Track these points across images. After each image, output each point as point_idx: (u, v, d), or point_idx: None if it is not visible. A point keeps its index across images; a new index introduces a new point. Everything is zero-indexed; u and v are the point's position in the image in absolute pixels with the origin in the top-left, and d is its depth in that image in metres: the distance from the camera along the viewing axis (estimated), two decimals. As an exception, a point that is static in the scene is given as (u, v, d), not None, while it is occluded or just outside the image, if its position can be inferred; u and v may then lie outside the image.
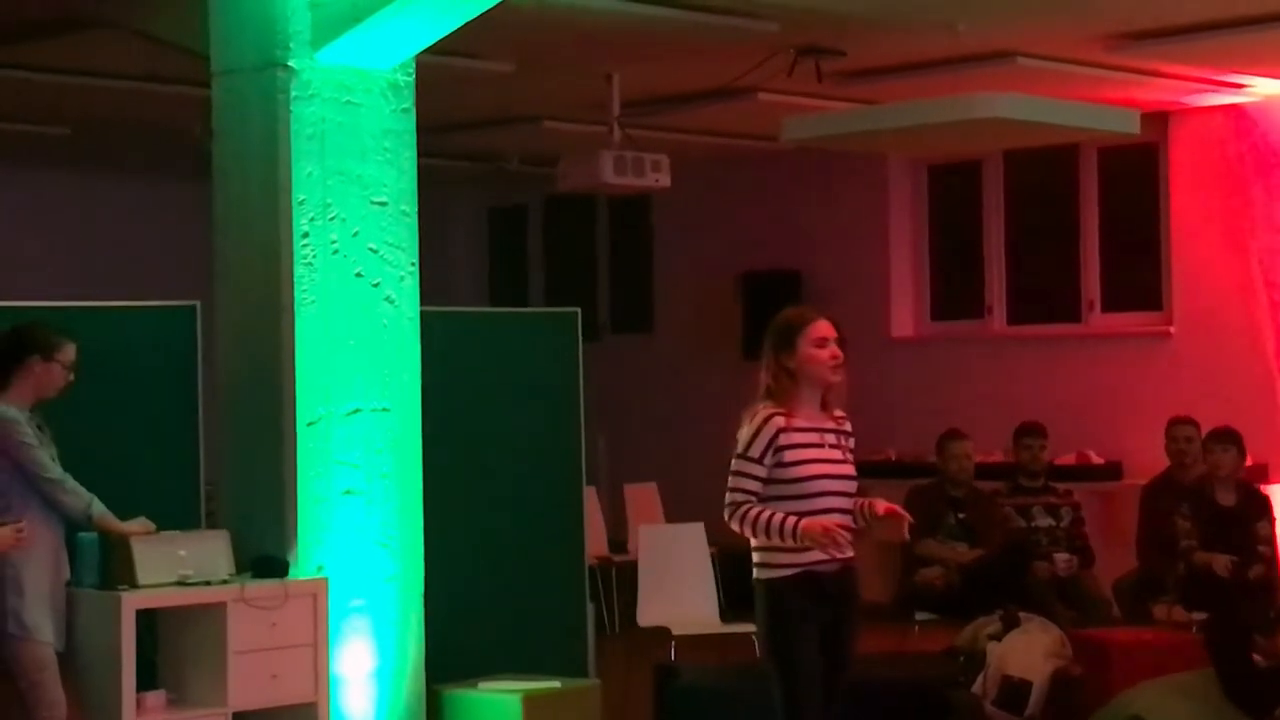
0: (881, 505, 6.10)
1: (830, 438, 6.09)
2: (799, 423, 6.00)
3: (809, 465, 5.98)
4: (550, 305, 15.33)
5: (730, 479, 6.02)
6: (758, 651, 9.08)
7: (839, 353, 6.07)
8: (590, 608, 8.75)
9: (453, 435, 7.94)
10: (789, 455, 5.96)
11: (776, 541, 5.93)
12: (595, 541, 12.42)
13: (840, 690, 6.14)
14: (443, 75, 10.05)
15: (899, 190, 13.59)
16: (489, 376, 8.37)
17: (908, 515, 6.13)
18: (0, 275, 12.49)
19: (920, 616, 9.48)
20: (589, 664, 8.60)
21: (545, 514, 8.54)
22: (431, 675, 7.58)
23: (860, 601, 6.29)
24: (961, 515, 9.76)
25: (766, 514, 5.93)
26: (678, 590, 9.37)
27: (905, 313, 13.63)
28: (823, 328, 6.07)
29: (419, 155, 13.46)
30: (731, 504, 6.00)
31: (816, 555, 5.95)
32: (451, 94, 10.94)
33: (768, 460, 5.95)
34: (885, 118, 9.51)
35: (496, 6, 7.95)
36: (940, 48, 9.95)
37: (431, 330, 7.60)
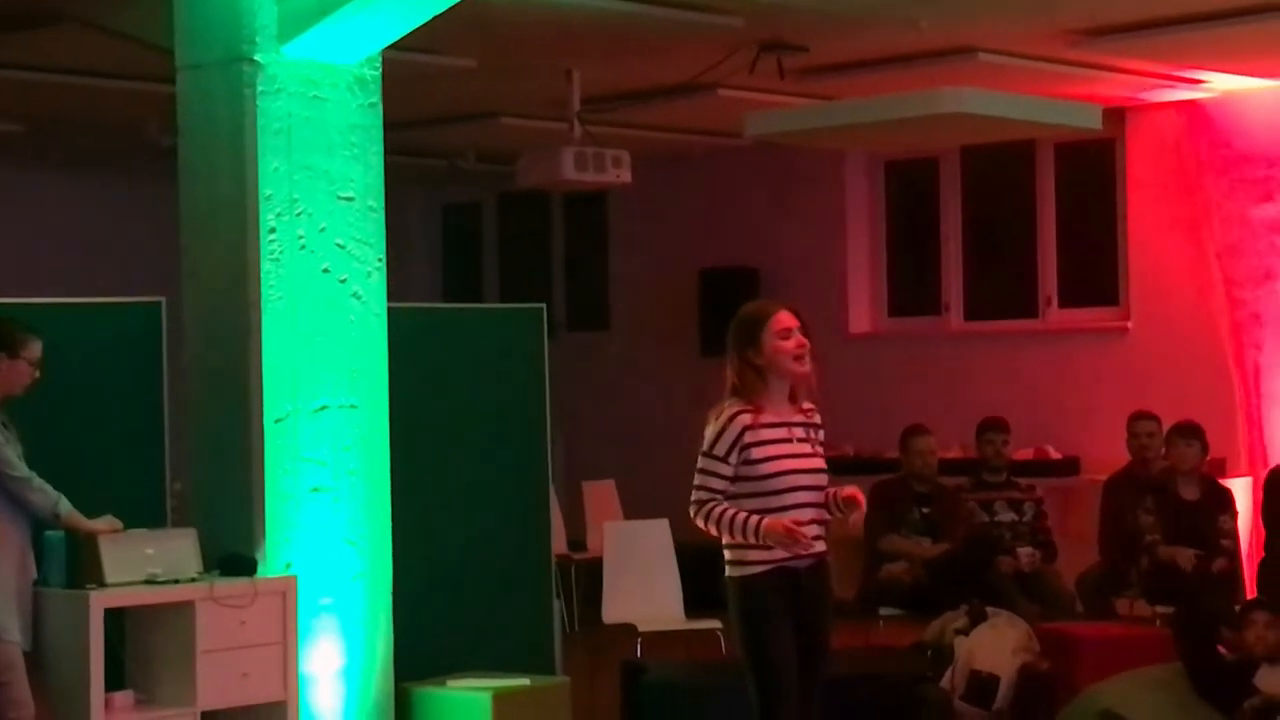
0: (845, 490, 6.07)
1: (799, 431, 6.06)
2: (766, 419, 5.98)
3: (776, 462, 5.96)
4: (505, 302, 15.29)
5: (696, 476, 6.00)
6: (723, 649, 9.14)
7: (804, 341, 6.05)
8: (558, 605, 8.71)
9: (419, 432, 7.88)
10: (755, 453, 5.94)
11: (740, 539, 5.91)
12: (554, 539, 12.39)
13: (818, 685, 6.12)
14: (405, 71, 10.00)
15: (856, 186, 13.59)
16: (455, 373, 8.32)
17: (862, 502, 6.06)
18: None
19: (885, 612, 9.48)
20: (556, 661, 8.56)
21: (511, 511, 8.49)
22: (400, 673, 7.54)
23: (833, 596, 6.28)
24: (925, 510, 9.77)
25: (731, 512, 5.91)
26: (643, 587, 9.35)
27: (863, 309, 13.64)
28: (784, 319, 6.05)
29: (376, 152, 13.43)
30: (697, 501, 5.98)
31: (790, 550, 5.93)
32: (412, 90, 10.88)
33: (733, 459, 5.94)
34: (848, 113, 9.52)
35: (461, 3, 7.94)
36: (902, 44, 9.97)
37: (397, 326, 7.55)
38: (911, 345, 13.26)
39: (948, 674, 8.11)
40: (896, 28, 9.53)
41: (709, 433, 5.99)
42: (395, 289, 15.54)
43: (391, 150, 13.25)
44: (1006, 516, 9.85)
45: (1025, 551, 9.62)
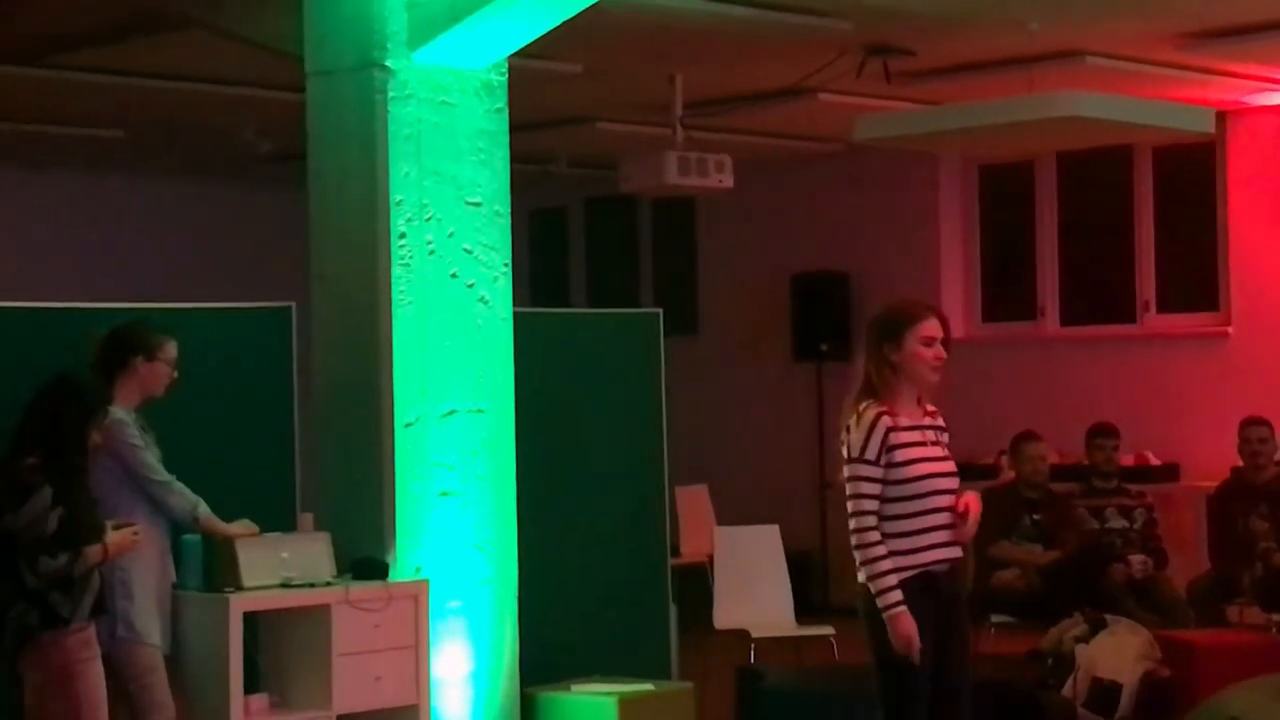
0: (963, 499, 5.97)
1: (930, 434, 5.98)
2: (903, 420, 5.89)
3: (919, 465, 5.86)
4: (593, 306, 15.30)
5: (849, 486, 5.86)
6: (835, 654, 9.13)
7: (943, 354, 5.96)
8: (674, 610, 8.71)
9: (542, 436, 7.89)
10: (900, 455, 5.83)
11: (873, 589, 5.80)
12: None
13: (967, 687, 6.01)
14: (513, 77, 10.06)
15: (950, 190, 13.55)
16: (575, 377, 8.34)
17: (974, 512, 5.96)
18: (62, 277, 12.53)
19: (996, 619, 9.44)
20: (673, 667, 8.55)
21: (631, 515, 8.51)
22: (523, 677, 7.55)
23: (966, 600, 6.23)
24: (1036, 517, 9.73)
25: (885, 566, 5.77)
26: (754, 592, 9.33)
27: (956, 314, 13.54)
28: (932, 327, 5.95)
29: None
30: (859, 529, 5.83)
31: (931, 556, 5.87)
32: (519, 96, 10.92)
33: (882, 461, 5.82)
34: (960, 117, 9.46)
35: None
36: (1007, 47, 9.91)
37: (522, 330, 7.56)
38: (1006, 351, 13.19)
39: (1069, 682, 8.08)
40: (1005, 31, 9.49)
41: (854, 438, 5.84)
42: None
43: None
44: (1118, 523, 9.81)
45: (1138, 559, 9.57)
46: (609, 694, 7.56)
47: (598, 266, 15.56)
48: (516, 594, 7.35)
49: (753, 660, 8.95)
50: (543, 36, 9.05)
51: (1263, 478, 9.81)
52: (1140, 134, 10.52)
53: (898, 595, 5.77)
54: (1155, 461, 12.02)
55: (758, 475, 13.73)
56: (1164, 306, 12.64)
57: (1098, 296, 13.03)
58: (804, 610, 11.02)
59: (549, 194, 15.24)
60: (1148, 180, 12.67)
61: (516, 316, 7.64)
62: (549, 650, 7.85)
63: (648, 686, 7.73)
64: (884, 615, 5.78)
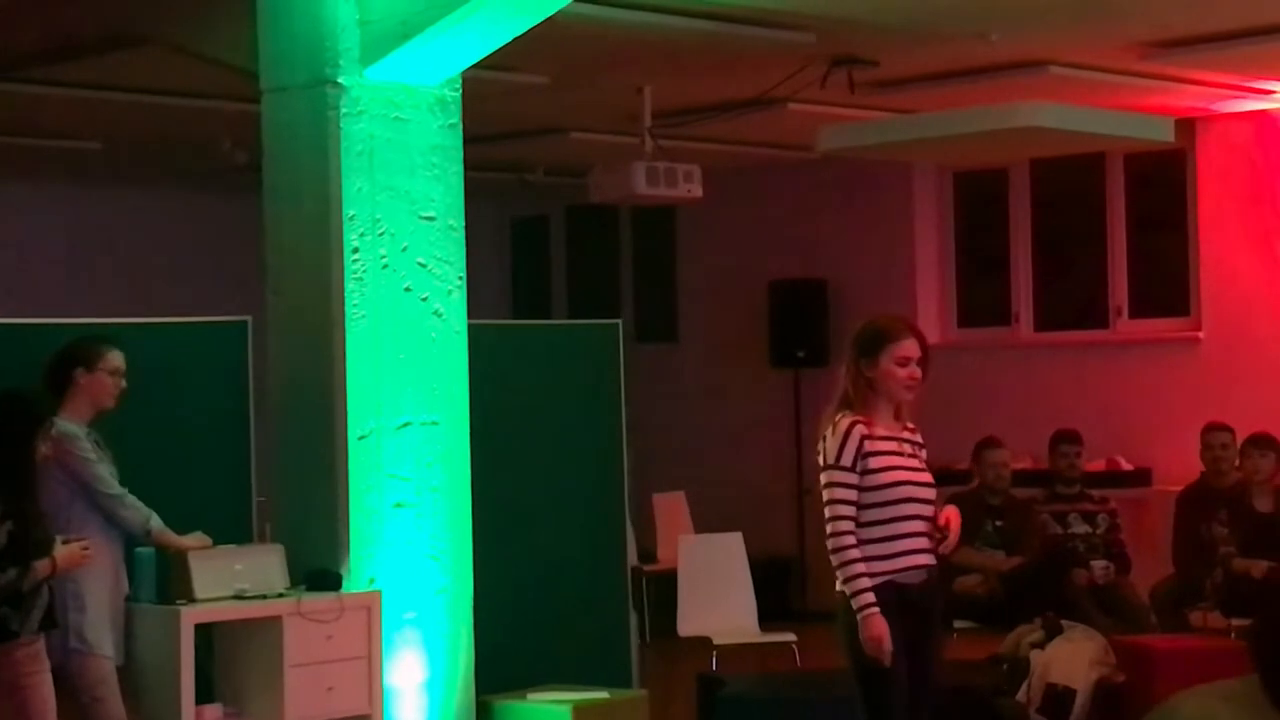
0: (944, 513, 6.09)
1: (907, 447, 6.08)
2: (879, 430, 5.99)
3: (893, 473, 5.96)
4: (574, 316, 15.39)
5: (826, 493, 5.95)
6: (798, 661, 9.21)
7: (918, 374, 6.07)
8: (634, 617, 8.79)
9: (498, 447, 7.98)
10: (874, 462, 5.93)
11: (847, 590, 5.89)
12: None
13: (929, 699, 6.10)
14: (476, 88, 10.13)
15: (924, 198, 13.62)
16: (532, 388, 8.42)
17: (954, 528, 6.08)
18: (37, 291, 12.62)
19: (959, 624, 9.51)
20: (633, 674, 8.63)
21: (589, 525, 8.59)
22: (480, 685, 7.62)
23: (940, 608, 6.28)
24: (999, 523, 9.80)
25: (859, 569, 5.87)
26: (717, 600, 9.41)
27: (931, 320, 13.64)
28: (908, 347, 6.06)
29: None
30: (835, 533, 5.92)
31: (904, 563, 5.96)
32: (483, 106, 10.98)
33: (857, 468, 5.91)
34: (921, 127, 9.56)
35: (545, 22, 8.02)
36: (973, 57, 9.99)
37: (476, 342, 7.64)
38: (981, 356, 13.27)
39: (1023, 687, 8.15)
40: (967, 41, 9.56)
41: (829, 445, 5.95)
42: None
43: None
44: (1080, 529, 9.88)
45: (1099, 564, 9.64)
46: (564, 702, 7.64)
47: (578, 275, 15.64)
48: (472, 603, 7.42)
49: (715, 667, 9.01)
50: (509, 49, 9.16)
51: (1225, 483, 9.88)
52: (1101, 143, 10.61)
53: (871, 598, 5.86)
54: (1127, 466, 12.10)
55: (736, 482, 13.80)
56: (1136, 312, 12.71)
57: (1071, 302, 13.11)
58: (782, 616, 11.11)
59: (530, 203, 15.35)
60: (1119, 187, 12.74)
61: (476, 329, 7.72)
62: (508, 659, 7.93)
63: (603, 695, 7.80)
64: (857, 617, 5.86)
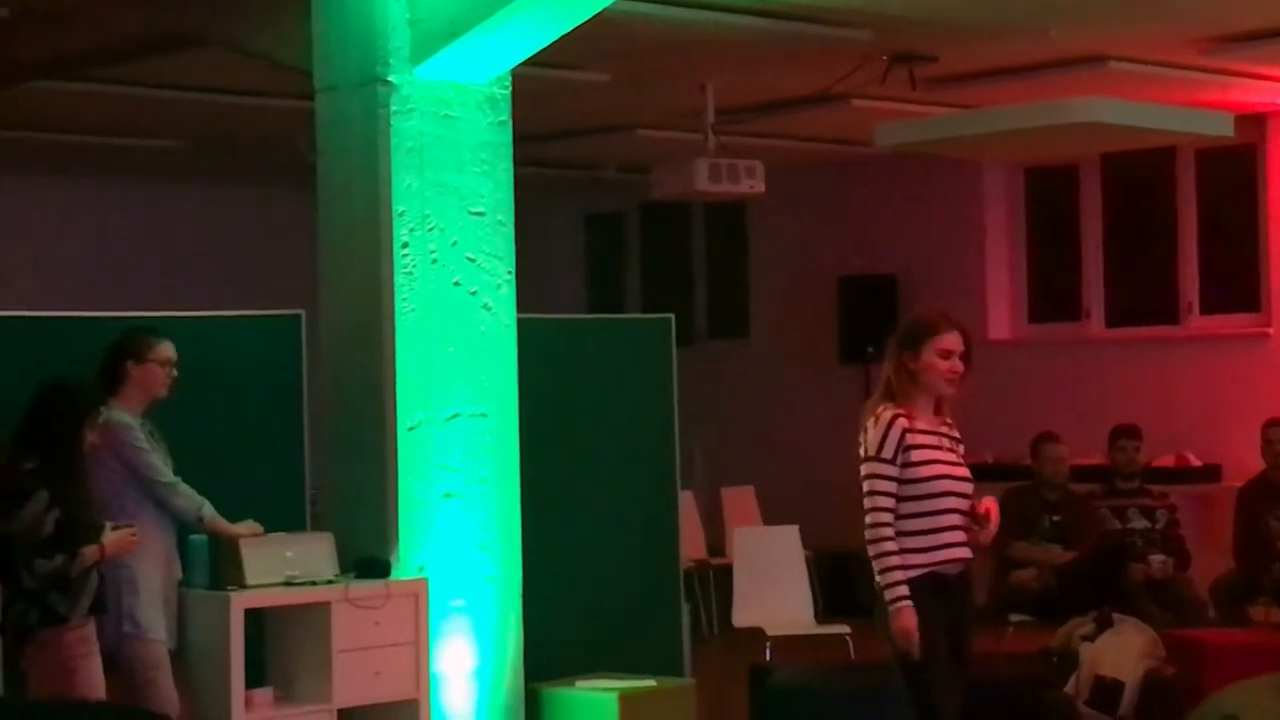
0: (982, 504, 6.11)
1: (946, 441, 6.13)
2: (919, 424, 6.03)
3: (933, 466, 6.01)
4: (647, 311, 15.49)
5: (866, 484, 5.99)
6: (852, 653, 9.27)
7: (959, 368, 6.07)
8: (686, 609, 8.88)
9: (550, 440, 8.09)
10: (916, 455, 5.97)
11: (880, 582, 5.95)
12: (692, 545, 12.58)
13: (963, 688, 6.13)
14: (540, 86, 10.25)
15: (995, 193, 13.64)
16: (586, 382, 8.52)
17: (994, 518, 6.13)
18: (123, 287, 12.87)
19: (1015, 618, 9.55)
20: (685, 664, 8.73)
21: (641, 517, 8.67)
22: (531, 674, 7.74)
23: (975, 600, 6.34)
24: (1056, 518, 9.82)
25: (894, 563, 5.92)
26: (773, 592, 9.49)
27: (1002, 315, 13.67)
28: (950, 340, 6.07)
29: (517, 164, 13.72)
30: (873, 524, 5.95)
31: (943, 555, 6.01)
32: (549, 104, 11.13)
33: (899, 461, 5.95)
34: (977, 123, 9.60)
35: (593, 20, 8.12)
36: (1033, 52, 10.03)
37: (529, 337, 7.76)
38: (1051, 352, 13.28)
39: (1072, 680, 8.17)
40: (1027, 37, 9.60)
41: (871, 437, 5.99)
42: (539, 298, 15.87)
43: (534, 162, 13.67)
44: (1139, 524, 9.88)
45: (1157, 559, 9.64)
46: (610, 690, 7.74)
47: (652, 271, 15.76)
48: (520, 593, 7.53)
49: (768, 658, 9.10)
50: (570, 48, 9.27)
51: (1283, 478, 9.87)
52: (1161, 139, 10.59)
53: (904, 590, 5.92)
54: (1196, 462, 12.07)
55: (805, 476, 13.86)
56: (1206, 308, 12.67)
57: (1141, 298, 13.08)
58: (851, 611, 11.14)
59: (605, 199, 15.48)
60: (1190, 182, 12.71)
61: (529, 323, 7.84)
62: (560, 648, 8.05)
63: (650, 683, 7.90)
64: (888, 609, 5.92)
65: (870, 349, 13.60)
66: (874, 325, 13.73)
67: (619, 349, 8.74)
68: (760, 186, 10.89)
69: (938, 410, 6.13)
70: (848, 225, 14.14)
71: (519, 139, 12.38)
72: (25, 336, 7.36)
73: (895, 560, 5.94)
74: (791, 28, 9.32)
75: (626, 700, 7.67)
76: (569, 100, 10.97)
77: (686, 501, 12.96)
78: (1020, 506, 9.77)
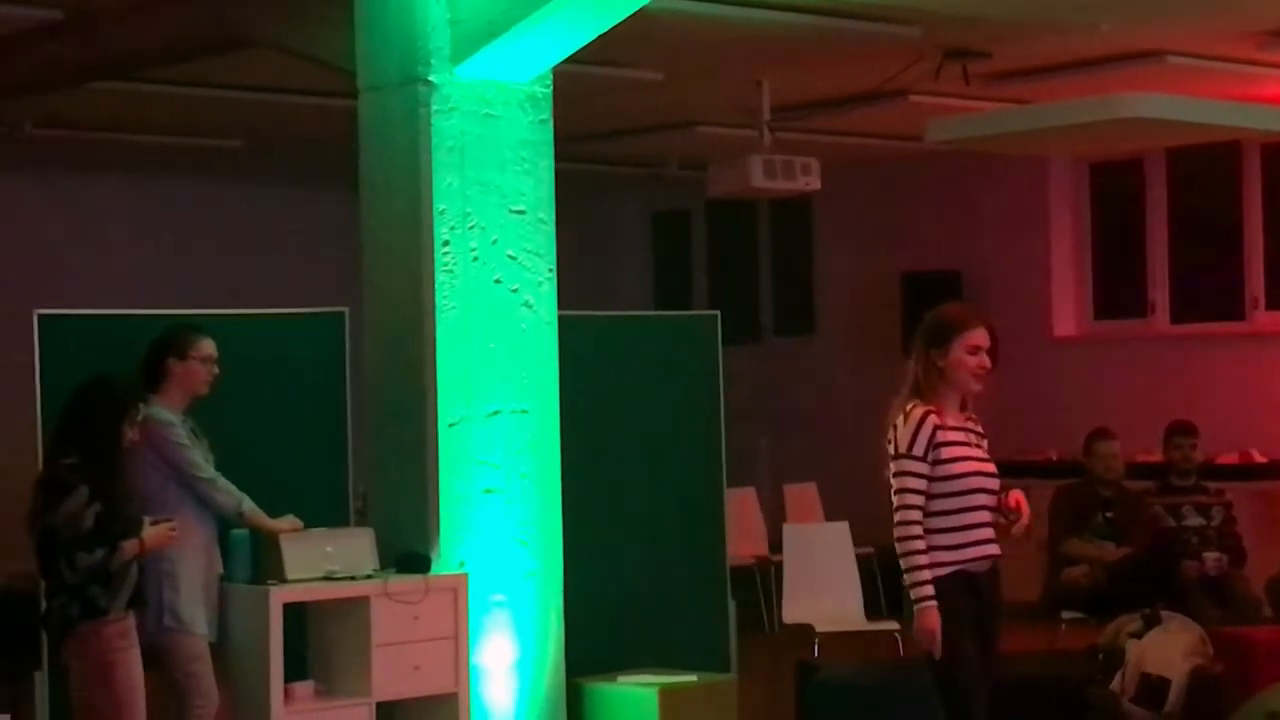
0: (1011, 496, 6.09)
1: (973, 437, 6.12)
2: (949, 421, 6.02)
3: (964, 463, 5.99)
4: (713, 307, 15.49)
5: (895, 482, 5.98)
6: (901, 650, 9.26)
7: (988, 363, 6.05)
8: (732, 605, 8.91)
9: (596, 436, 8.15)
10: (946, 452, 5.95)
11: (907, 580, 5.95)
12: (755, 541, 12.62)
13: (990, 685, 6.14)
14: (594, 85, 10.34)
15: (1060, 188, 13.58)
16: (633, 379, 8.57)
17: (1025, 510, 6.11)
18: (183, 285, 13.04)
19: (1067, 615, 9.51)
20: (731, 660, 8.76)
21: (688, 513, 8.72)
22: (577, 668, 7.81)
23: (1003, 598, 6.33)
24: (1109, 514, 9.77)
25: (921, 561, 5.91)
26: (822, 588, 9.50)
27: (1067, 311, 13.62)
28: (979, 336, 6.05)
29: (581, 161, 13.83)
30: (902, 521, 5.96)
31: (972, 553, 6.00)
32: (605, 102, 11.21)
33: (929, 458, 5.94)
34: (1027, 119, 9.58)
35: (645, 19, 8.16)
36: (1089, 48, 9.99)
37: (574, 334, 7.82)
38: (1117, 348, 13.21)
39: (1118, 677, 8.14)
40: (1081, 32, 9.56)
41: (901, 434, 5.97)
42: (605, 295, 15.96)
43: (598, 160, 13.69)
44: (1194, 521, 9.82)
45: (1211, 556, 9.58)
46: (651, 684, 7.78)
47: (718, 268, 15.79)
48: (562, 588, 7.57)
49: (816, 654, 9.12)
50: (623, 47, 9.34)
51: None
52: (1213, 134, 10.51)
53: (929, 590, 5.92)
54: (1260, 459, 11.97)
55: (869, 473, 13.80)
56: (1272, 303, 12.57)
57: (1207, 293, 12.98)
58: (893, 608, 11.13)
59: (671, 197, 15.52)
60: (1256, 177, 12.62)
61: (573, 320, 7.90)
62: (606, 643, 8.11)
63: (691, 679, 7.93)
64: (914, 607, 5.94)
65: (935, 345, 13.61)
66: (938, 322, 13.73)
67: (667, 346, 8.78)
68: (816, 183, 10.90)
69: (963, 406, 6.13)
70: (912, 221, 14.11)
71: (578, 137, 12.56)
72: (78, 335, 7.47)
73: (922, 559, 5.93)
74: (841, 25, 9.32)
75: (667, 695, 7.72)
76: (623, 98, 11.03)
77: (748, 498, 13.02)
78: (1074, 503, 9.74)
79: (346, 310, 7.84)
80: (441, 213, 7.35)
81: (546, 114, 7.66)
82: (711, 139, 12.27)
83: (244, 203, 14.27)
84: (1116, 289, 13.49)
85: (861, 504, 12.38)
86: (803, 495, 13.21)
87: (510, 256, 7.52)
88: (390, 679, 7.00)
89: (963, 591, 5.99)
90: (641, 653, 8.28)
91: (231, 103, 10.99)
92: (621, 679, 7.91)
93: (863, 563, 10.27)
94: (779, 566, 12.34)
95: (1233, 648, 8.38)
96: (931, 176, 13.84)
